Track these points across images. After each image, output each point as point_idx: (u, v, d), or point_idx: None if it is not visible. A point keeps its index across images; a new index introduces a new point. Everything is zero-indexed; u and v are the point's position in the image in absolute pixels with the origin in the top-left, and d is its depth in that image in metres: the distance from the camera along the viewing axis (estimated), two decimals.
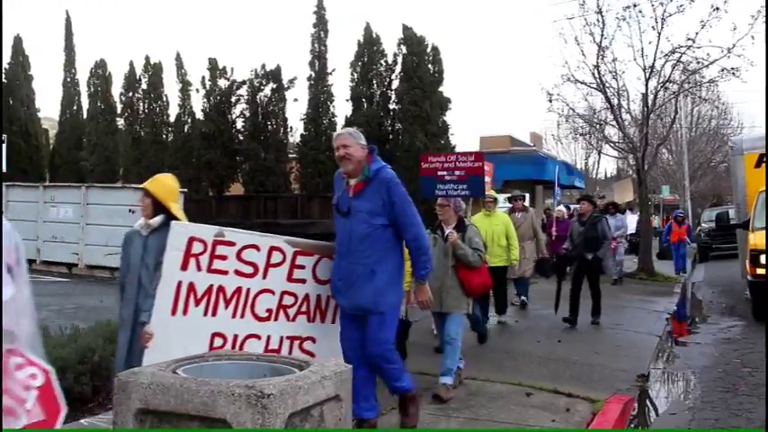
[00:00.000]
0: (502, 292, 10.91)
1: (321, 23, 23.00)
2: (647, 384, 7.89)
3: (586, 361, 8.50)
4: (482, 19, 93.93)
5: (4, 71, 26.78)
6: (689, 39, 18.86)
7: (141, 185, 5.09)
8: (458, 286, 6.78)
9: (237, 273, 4.90)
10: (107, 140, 26.29)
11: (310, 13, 23.31)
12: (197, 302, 4.74)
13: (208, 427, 2.81)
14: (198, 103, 24.79)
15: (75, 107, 28.51)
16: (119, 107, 26.75)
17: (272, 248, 5.04)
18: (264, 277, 4.99)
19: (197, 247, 4.72)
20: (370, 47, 21.96)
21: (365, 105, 21.72)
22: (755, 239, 11.69)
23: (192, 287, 4.72)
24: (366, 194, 5.04)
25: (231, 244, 4.87)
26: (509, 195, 13.27)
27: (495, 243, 10.37)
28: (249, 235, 5.18)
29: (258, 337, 4.98)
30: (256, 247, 4.99)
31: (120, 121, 26.75)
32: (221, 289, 4.83)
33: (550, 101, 21.07)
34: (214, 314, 4.80)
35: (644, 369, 8.35)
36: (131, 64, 26.48)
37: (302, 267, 5.17)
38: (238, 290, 4.91)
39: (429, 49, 21.56)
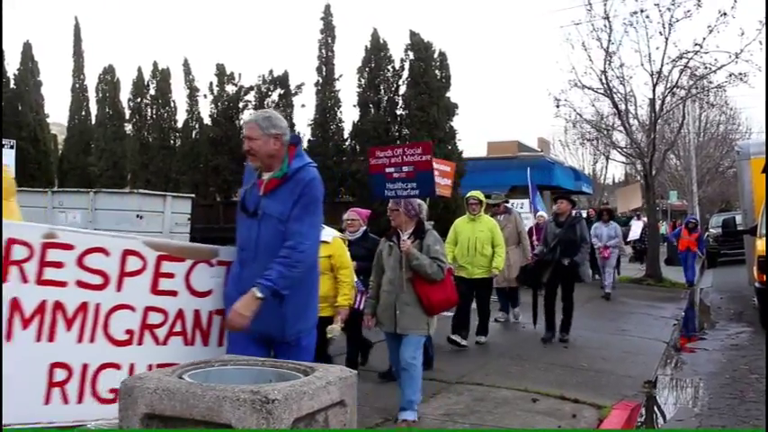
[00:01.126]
0: (483, 311, 9.78)
1: (328, 29, 23.06)
2: (654, 391, 7.86)
3: (593, 367, 8.49)
4: (489, 24, 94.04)
5: (13, 77, 26.95)
6: (696, 44, 18.83)
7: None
8: (415, 303, 5.96)
9: (81, 284, 3.86)
10: (115, 146, 26.41)
11: (317, 19, 23.41)
12: (24, 324, 3.69)
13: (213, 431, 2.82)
14: (206, 109, 24.92)
15: (83, 113, 28.65)
16: (127, 113, 26.90)
17: (127, 252, 4.00)
18: (119, 289, 3.97)
19: (19, 252, 3.69)
20: (377, 52, 21.99)
21: (372, 111, 21.74)
22: (764, 246, 11.54)
23: (15, 305, 3.67)
24: (279, 195, 4.06)
25: (68, 247, 3.83)
26: (491, 198, 11.71)
27: (479, 252, 9.33)
28: (93, 235, 4.32)
29: (117, 366, 3.94)
30: (104, 251, 3.93)
31: (129, 127, 26.89)
32: (59, 306, 3.79)
33: (558, 106, 21.09)
34: (51, 339, 3.76)
35: (651, 375, 8.33)
36: (139, 70, 26.64)
37: (171, 276, 4.13)
38: (84, 306, 3.86)
39: (436, 55, 21.58)
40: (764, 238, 11.71)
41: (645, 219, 24.32)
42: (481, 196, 9.81)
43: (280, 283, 3.86)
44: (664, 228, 33.61)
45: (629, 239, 22.43)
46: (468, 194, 9.79)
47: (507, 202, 12.07)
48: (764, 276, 11.24)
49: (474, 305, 9.65)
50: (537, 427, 5.92)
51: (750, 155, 13.84)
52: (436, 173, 7.42)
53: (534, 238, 13.11)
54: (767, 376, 7.26)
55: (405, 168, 6.41)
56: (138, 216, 17.21)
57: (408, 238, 6.08)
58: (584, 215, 17.87)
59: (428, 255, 6.00)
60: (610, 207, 18.21)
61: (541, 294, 10.08)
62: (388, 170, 6.56)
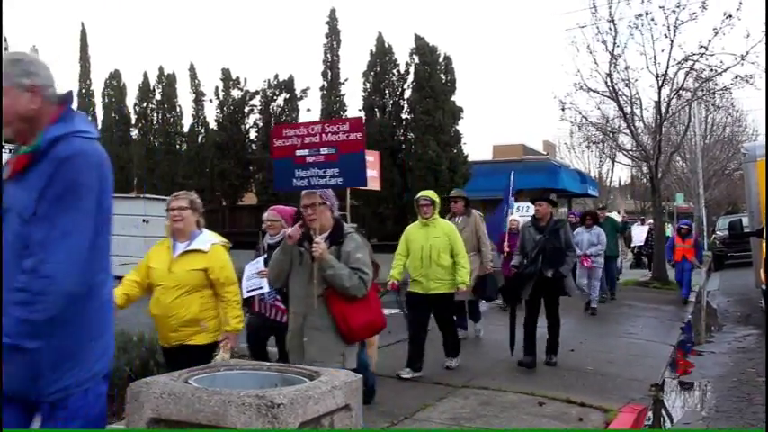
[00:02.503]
0: (447, 330, 8.24)
1: (333, 34, 23.12)
2: (661, 394, 7.84)
3: (599, 370, 8.46)
4: (494, 28, 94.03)
5: None
6: (702, 46, 18.79)
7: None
8: (328, 327, 4.74)
9: None
10: (121, 151, 26.51)
11: (323, 23, 23.51)
12: None
13: None
14: (211, 114, 25.07)
15: (89, 117, 28.69)
16: (133, 118, 27.02)
17: None
18: None
19: None
20: (382, 57, 22.04)
21: (378, 115, 21.78)
22: None
23: None
24: (29, 179, 2.61)
25: None
26: (451, 196, 10.33)
27: (435, 262, 7.74)
28: None
29: None
30: None
31: (135, 132, 27.01)
32: None
33: (563, 109, 21.04)
34: None
35: (658, 378, 8.30)
36: (145, 75, 26.77)
37: None
38: None
39: (441, 59, 21.62)
40: None
41: (650, 221, 24.10)
42: (434, 196, 8.09)
43: (15, 334, 2.48)
44: (669, 230, 33.40)
45: (633, 245, 21.91)
46: (419, 194, 8.20)
47: (465, 200, 9.99)
48: None
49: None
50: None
51: (756, 157, 13.63)
52: None
53: (506, 244, 11.45)
54: (767, 376, 7.21)
55: (324, 150, 5.01)
56: (144, 221, 17.28)
57: (325, 241, 4.83)
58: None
59: (347, 263, 4.74)
60: (594, 210, 16.45)
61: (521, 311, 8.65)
62: (299, 153, 5.12)
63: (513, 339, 8.47)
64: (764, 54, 17.12)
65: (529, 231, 8.65)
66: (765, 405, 5.96)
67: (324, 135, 5.05)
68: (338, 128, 5.05)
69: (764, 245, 11.79)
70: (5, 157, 3.18)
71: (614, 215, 18.73)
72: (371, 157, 7.95)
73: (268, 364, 3.68)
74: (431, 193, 8.13)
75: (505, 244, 11.67)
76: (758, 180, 13.52)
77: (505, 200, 12.98)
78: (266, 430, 2.73)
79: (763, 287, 11.57)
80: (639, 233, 21.17)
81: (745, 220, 16.65)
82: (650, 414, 7.03)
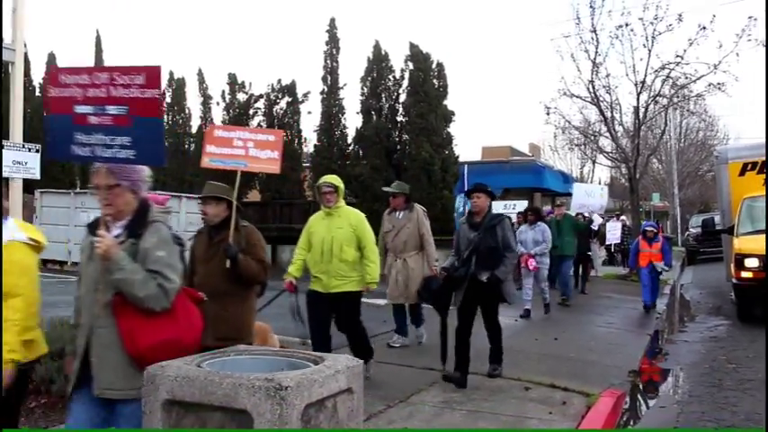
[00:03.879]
0: (353, 332, 6.73)
1: (333, 41, 23.06)
2: (639, 379, 7.88)
3: (581, 357, 8.50)
4: (484, 37, 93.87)
5: (38, 86, 27.03)
6: (678, 56, 18.95)
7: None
8: (115, 345, 3.26)
9: None
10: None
11: (323, 31, 23.44)
12: None
13: (230, 417, 2.84)
14: (218, 116, 24.95)
15: None
16: None
17: None
18: None
19: None
20: (379, 63, 22.00)
21: (374, 118, 21.75)
22: (740, 244, 11.65)
23: None
24: None
25: None
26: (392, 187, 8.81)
27: (336, 256, 6.45)
28: None
29: None
30: None
31: None
32: None
33: (548, 114, 21.20)
34: None
35: (635, 365, 8.34)
36: None
37: None
38: None
39: (434, 65, 21.58)
40: (742, 237, 11.79)
41: (623, 217, 23.75)
42: (336, 181, 6.66)
43: None
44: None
45: (609, 242, 20.97)
46: (320, 180, 6.84)
47: (405, 194, 8.55)
48: (741, 273, 11.31)
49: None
50: (529, 414, 5.93)
51: (728, 159, 13.77)
52: (252, 144, 5.66)
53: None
54: (767, 375, 7.19)
55: (112, 110, 3.41)
56: None
57: (118, 236, 3.38)
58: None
59: (144, 264, 3.29)
60: (538, 207, 14.24)
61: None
62: (79, 110, 3.48)
63: (444, 351, 6.95)
64: (765, 52, 17.18)
65: (463, 229, 7.10)
66: (765, 405, 5.95)
67: (112, 88, 3.39)
68: (131, 79, 3.37)
69: (735, 241, 11.89)
70: (5, 156, 3.20)
71: (595, 216, 17.09)
72: (273, 137, 5.95)
73: (275, 349, 3.69)
74: (333, 179, 6.69)
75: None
76: (729, 181, 13.59)
77: (459, 194, 11.92)
78: (274, 430, 2.73)
79: (734, 281, 11.68)
80: (614, 230, 19.58)
81: (717, 219, 16.66)
82: (628, 398, 7.07)
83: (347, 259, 6.50)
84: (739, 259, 11.45)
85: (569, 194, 33.88)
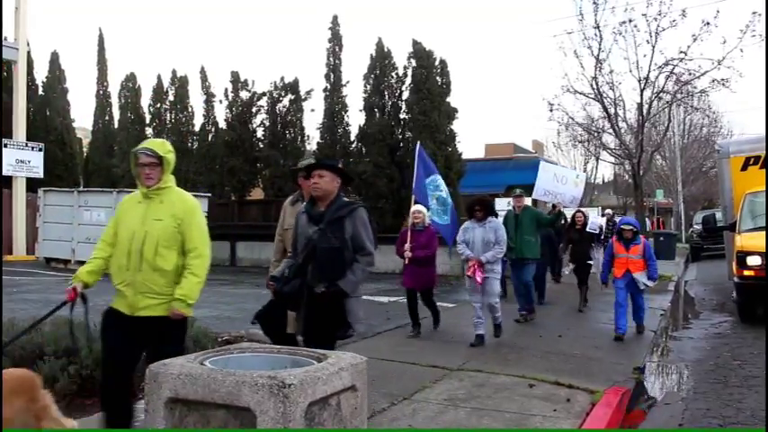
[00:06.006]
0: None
1: (336, 39, 23.04)
2: (643, 376, 7.85)
3: (586, 354, 8.47)
4: (487, 34, 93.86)
5: (41, 84, 27.10)
6: (681, 52, 18.86)
7: None
8: None
9: None
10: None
11: (326, 29, 23.42)
12: None
13: (233, 415, 2.83)
14: (221, 114, 25.04)
15: (107, 117, 28.77)
16: (147, 117, 26.96)
17: None
18: None
19: None
20: (381, 60, 21.97)
21: (377, 115, 21.72)
22: (742, 241, 11.21)
23: None
24: None
25: None
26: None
27: (148, 263, 4.34)
28: None
29: None
30: None
31: (149, 131, 26.95)
32: None
33: (551, 110, 21.14)
34: None
35: (640, 362, 8.31)
36: (159, 77, 26.72)
37: None
38: None
39: (437, 63, 21.54)
40: (744, 234, 11.41)
41: (608, 211, 22.12)
42: (162, 149, 4.51)
43: None
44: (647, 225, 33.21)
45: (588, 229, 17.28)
46: (139, 146, 4.60)
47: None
48: (743, 271, 10.89)
49: None
50: (534, 411, 5.91)
51: (729, 153, 13.31)
52: None
53: (407, 246, 9.06)
54: (767, 374, 7.16)
55: None
56: None
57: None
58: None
59: None
60: (487, 198, 10.14)
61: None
62: None
63: None
64: (765, 49, 17.12)
65: (301, 221, 4.97)
66: (766, 405, 5.92)
67: None
68: None
69: (737, 238, 11.46)
70: (9, 155, 3.21)
71: (593, 215, 15.19)
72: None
73: (278, 347, 3.68)
74: (157, 144, 4.57)
75: (407, 245, 9.07)
76: (731, 176, 13.12)
77: (417, 187, 9.82)
78: (278, 430, 2.72)
79: (736, 279, 11.19)
80: (592, 224, 14.31)
81: (719, 215, 16.43)
82: (633, 395, 7.04)
83: (164, 268, 4.34)
84: (741, 257, 10.96)
85: None
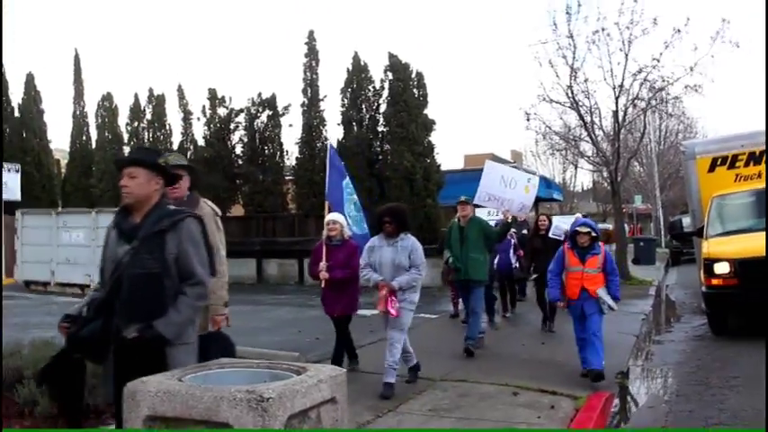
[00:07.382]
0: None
1: (312, 53, 23.06)
2: (627, 380, 7.88)
3: (568, 361, 8.47)
4: (463, 45, 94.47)
5: (17, 106, 26.92)
6: (654, 59, 19.04)
7: None
8: None
9: None
10: (115, 168, 26.24)
11: (302, 44, 23.42)
12: None
13: (212, 430, 2.80)
14: (199, 131, 24.88)
15: (84, 137, 28.50)
16: (125, 136, 26.78)
17: None
18: None
19: None
20: (358, 74, 22.02)
21: (355, 128, 21.74)
22: (709, 248, 10.29)
23: None
24: None
25: None
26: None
27: None
28: None
29: None
30: None
31: (127, 150, 26.77)
32: None
33: (528, 120, 21.22)
34: None
35: (623, 366, 8.34)
36: (136, 96, 26.55)
37: None
38: None
39: (414, 75, 21.62)
40: (711, 239, 10.55)
41: (578, 215, 21.57)
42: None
43: None
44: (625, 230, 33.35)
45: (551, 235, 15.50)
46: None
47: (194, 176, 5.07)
48: (711, 280, 9.93)
49: None
50: (518, 419, 5.90)
51: (695, 154, 12.49)
52: None
53: (323, 265, 7.34)
54: (767, 376, 7.17)
55: None
56: None
57: None
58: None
59: None
60: (400, 207, 7.61)
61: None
62: None
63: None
64: (765, 48, 17.30)
65: (111, 238, 3.78)
66: (766, 405, 5.94)
67: None
68: None
69: (704, 244, 10.56)
70: (11, 179, 3.20)
71: (559, 219, 13.39)
72: None
73: (257, 361, 3.65)
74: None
75: (322, 264, 7.32)
76: (698, 178, 12.33)
77: (331, 191, 8.14)
78: (262, 430, 2.70)
79: (704, 289, 10.25)
80: (556, 229, 11.83)
81: (687, 220, 15.79)
82: (617, 400, 7.07)
83: None
84: (708, 265, 9.96)
85: (552, 199, 34.20)
